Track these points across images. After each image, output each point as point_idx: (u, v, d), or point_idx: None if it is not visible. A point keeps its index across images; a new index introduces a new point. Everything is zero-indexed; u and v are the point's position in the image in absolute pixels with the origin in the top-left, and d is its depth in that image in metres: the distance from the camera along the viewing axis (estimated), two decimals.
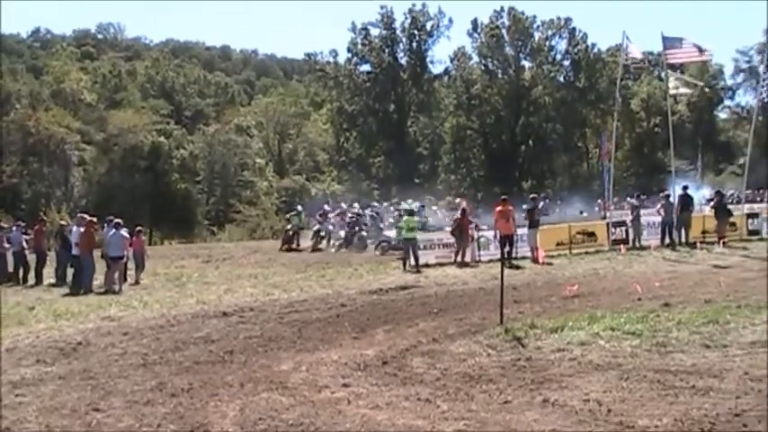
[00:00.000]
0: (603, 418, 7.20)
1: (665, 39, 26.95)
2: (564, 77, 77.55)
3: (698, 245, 24.46)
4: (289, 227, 33.25)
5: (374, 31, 75.09)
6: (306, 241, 31.95)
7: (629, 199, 32.38)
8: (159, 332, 13.12)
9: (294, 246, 31.74)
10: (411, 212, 24.20)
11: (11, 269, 23.51)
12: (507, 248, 21.97)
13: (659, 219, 26.00)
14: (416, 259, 22.27)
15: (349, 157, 73.83)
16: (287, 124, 78.20)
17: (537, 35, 76.18)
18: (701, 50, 27.00)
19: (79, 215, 23.60)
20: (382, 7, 74.98)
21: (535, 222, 23.64)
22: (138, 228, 23.87)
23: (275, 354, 11.03)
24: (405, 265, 22.21)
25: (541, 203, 32.62)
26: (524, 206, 25.82)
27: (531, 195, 25.84)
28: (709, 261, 21.02)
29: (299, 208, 35.62)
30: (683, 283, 16.64)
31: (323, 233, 31.50)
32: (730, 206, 29.02)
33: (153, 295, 18.70)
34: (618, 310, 12.66)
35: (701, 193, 34.14)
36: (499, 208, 22.94)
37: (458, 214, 24.59)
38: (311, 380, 9.27)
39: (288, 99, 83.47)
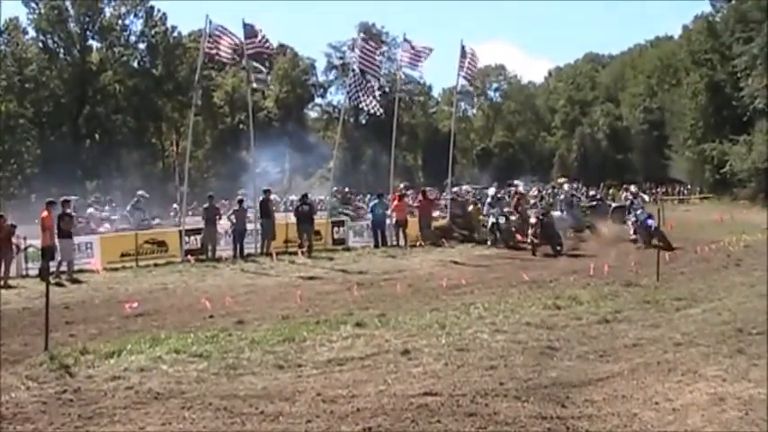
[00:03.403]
0: None
1: (245, 26, 27.80)
2: (138, 63, 76.93)
3: (274, 256, 25.41)
4: None
5: None
6: None
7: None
8: None
9: None
10: None
11: None
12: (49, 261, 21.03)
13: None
14: None
15: None
16: None
17: (108, 11, 74.69)
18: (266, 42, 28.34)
19: None
20: None
21: (67, 233, 22.31)
22: None
23: None
24: None
25: (106, 207, 31.95)
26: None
27: (63, 199, 23.87)
28: (291, 273, 22.13)
29: None
30: (261, 298, 17.37)
31: None
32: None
33: None
34: (185, 330, 12.86)
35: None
36: (45, 214, 21.98)
37: None
38: None
39: None
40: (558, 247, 24.97)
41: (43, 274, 19.87)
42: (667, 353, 10.61)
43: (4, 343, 12.59)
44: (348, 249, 28.16)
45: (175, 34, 77.41)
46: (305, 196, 28.95)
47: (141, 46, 76.84)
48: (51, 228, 21.78)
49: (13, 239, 22.31)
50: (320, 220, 30.18)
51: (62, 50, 73.20)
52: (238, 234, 26.06)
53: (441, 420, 7.93)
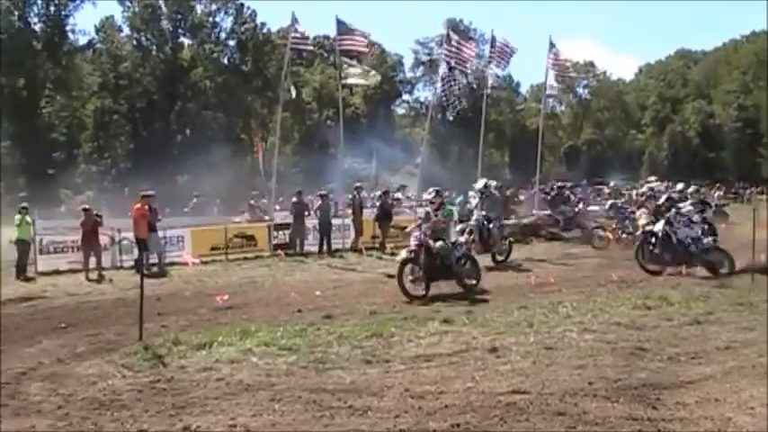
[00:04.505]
0: None
1: (338, 23, 27.96)
2: (228, 59, 77.92)
3: (363, 251, 25.64)
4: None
5: None
6: None
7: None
8: None
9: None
10: (26, 209, 22.64)
11: None
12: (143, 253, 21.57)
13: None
14: (20, 268, 21.36)
15: None
16: None
17: (199, 9, 75.73)
18: (368, 41, 28.46)
19: None
20: None
21: (152, 226, 22.57)
22: None
23: None
24: (18, 272, 21.24)
25: (194, 201, 32.64)
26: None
27: (149, 192, 24.00)
28: (378, 269, 22.17)
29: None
30: (348, 293, 17.47)
31: None
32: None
33: None
34: (274, 323, 13.00)
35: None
36: (138, 206, 22.48)
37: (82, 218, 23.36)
38: None
39: None
40: (501, 256, 22.55)
41: (138, 266, 20.39)
42: (762, 356, 10.26)
43: (99, 332, 13.02)
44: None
45: (264, 31, 78.08)
46: (385, 193, 28.90)
47: (231, 43, 77.72)
48: (143, 220, 22.26)
49: (108, 231, 22.94)
50: (409, 216, 30.24)
51: (155, 48, 74.53)
52: (323, 229, 26.23)
53: (529, 419, 7.85)
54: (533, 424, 7.72)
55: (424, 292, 16.25)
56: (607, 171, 69.29)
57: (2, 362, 10.93)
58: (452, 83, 31.93)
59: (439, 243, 16.78)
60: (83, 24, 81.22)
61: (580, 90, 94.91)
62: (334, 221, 26.94)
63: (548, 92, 39.86)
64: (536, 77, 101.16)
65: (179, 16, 74.25)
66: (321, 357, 10.53)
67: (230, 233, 25.43)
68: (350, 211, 28.01)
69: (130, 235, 22.74)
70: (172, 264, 22.66)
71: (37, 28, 70.83)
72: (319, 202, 26.91)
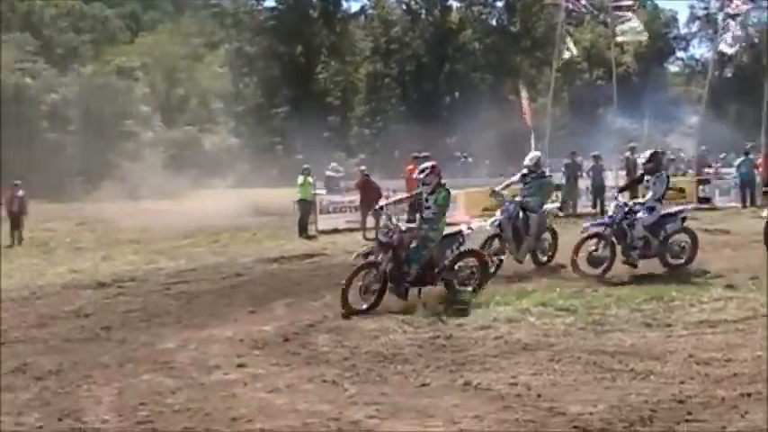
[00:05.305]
0: (532, 403, 7.34)
1: None
2: (496, 21, 77.65)
3: None
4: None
5: None
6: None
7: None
8: (22, 305, 12.91)
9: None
10: (308, 170, 23.93)
11: None
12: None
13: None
14: (302, 227, 22.46)
15: (248, 106, 72.57)
16: (177, 67, 76.29)
17: None
18: None
19: None
20: None
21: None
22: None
23: (159, 330, 11.00)
24: (300, 230, 22.41)
25: (461, 161, 33.04)
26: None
27: (422, 154, 23.50)
28: None
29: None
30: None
31: None
32: None
33: (14, 262, 18.25)
34: (550, 284, 12.98)
35: None
36: (410, 167, 23.01)
37: (359, 178, 24.28)
38: (200, 360, 9.27)
39: (178, 38, 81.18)
40: (543, 256, 16.29)
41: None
42: None
43: None
44: (714, 209, 26.90)
45: None
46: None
47: (499, 4, 77.41)
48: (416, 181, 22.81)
49: (384, 192, 23.69)
50: (685, 177, 29.28)
51: (424, 11, 75.52)
52: (596, 190, 25.86)
53: None
54: None
55: (368, 305, 11.86)
56: None
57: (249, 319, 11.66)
58: (732, 37, 30.30)
59: (413, 245, 12.56)
60: None
61: None
62: (607, 183, 26.41)
63: None
64: None
65: None
66: (599, 319, 10.43)
67: None
68: (623, 172, 27.38)
69: (402, 195, 23.37)
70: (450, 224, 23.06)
71: None
72: (592, 163, 26.50)
